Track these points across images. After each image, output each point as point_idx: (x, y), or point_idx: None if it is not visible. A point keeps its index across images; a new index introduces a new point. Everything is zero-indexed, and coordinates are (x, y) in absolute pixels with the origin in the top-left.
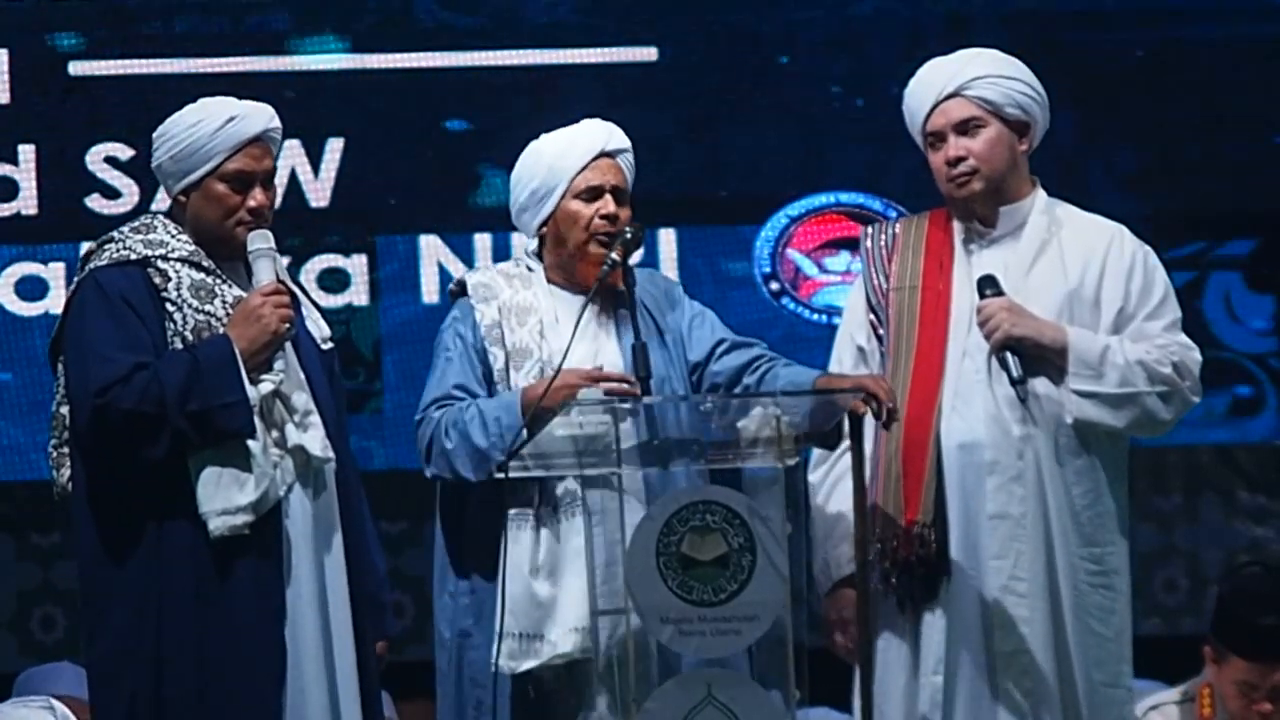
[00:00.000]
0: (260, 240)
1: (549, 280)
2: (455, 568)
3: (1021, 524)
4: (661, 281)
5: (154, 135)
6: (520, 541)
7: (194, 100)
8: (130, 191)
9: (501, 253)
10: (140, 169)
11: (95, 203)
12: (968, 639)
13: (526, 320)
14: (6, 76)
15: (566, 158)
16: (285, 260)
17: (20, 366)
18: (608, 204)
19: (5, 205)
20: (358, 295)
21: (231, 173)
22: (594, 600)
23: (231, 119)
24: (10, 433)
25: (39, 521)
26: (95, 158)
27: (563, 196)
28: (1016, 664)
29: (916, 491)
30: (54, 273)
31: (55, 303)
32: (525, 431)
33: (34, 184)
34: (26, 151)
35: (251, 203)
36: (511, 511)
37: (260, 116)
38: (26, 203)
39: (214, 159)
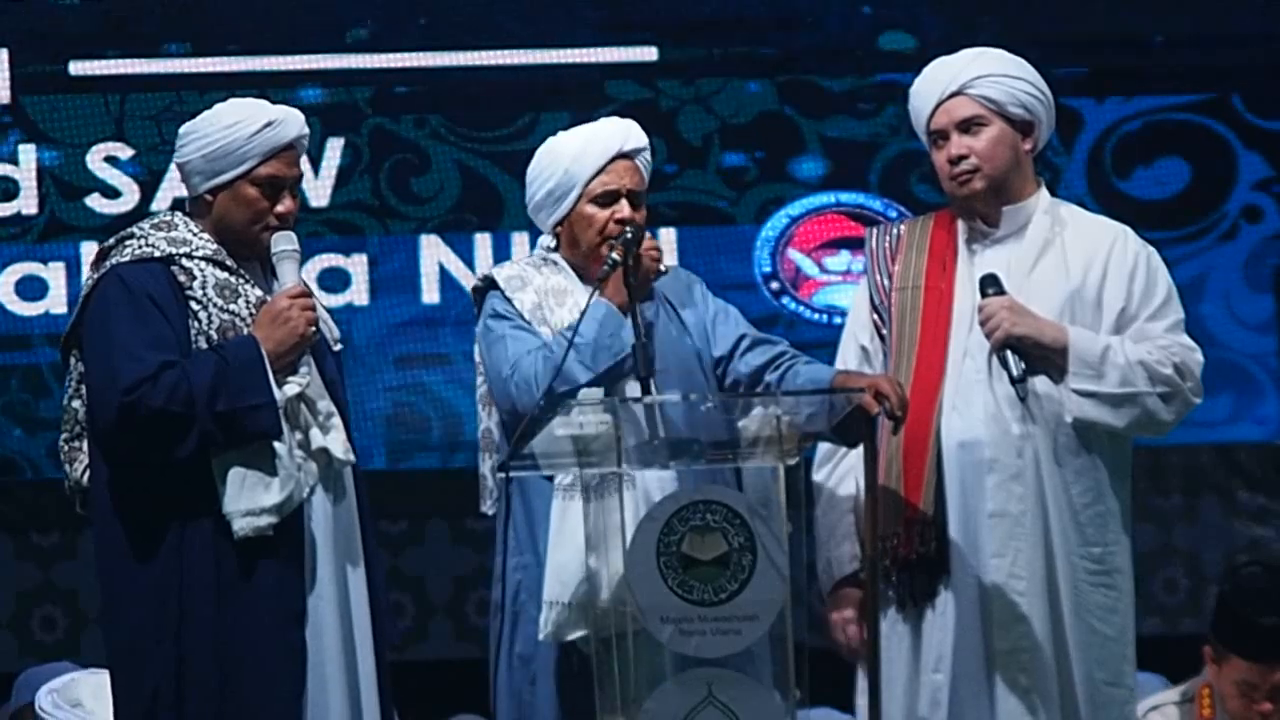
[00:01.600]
0: (285, 242)
1: (573, 269)
2: (513, 544)
3: (1020, 522)
4: (684, 277)
5: (182, 131)
6: (569, 512)
7: (194, 100)
8: (130, 191)
9: (502, 252)
10: (140, 169)
11: (95, 203)
12: (967, 637)
13: (565, 301)
14: (7, 76)
15: (583, 160)
16: None
17: (20, 366)
18: (622, 208)
19: (5, 205)
20: (358, 295)
21: (264, 177)
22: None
23: (269, 124)
24: (11, 433)
25: (39, 521)
26: (95, 158)
27: (578, 200)
28: (1016, 662)
29: (917, 489)
30: (54, 272)
31: (55, 303)
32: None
33: (34, 184)
34: (26, 151)
35: (280, 209)
36: (559, 481)
37: (294, 123)
38: (26, 203)
39: (248, 162)
